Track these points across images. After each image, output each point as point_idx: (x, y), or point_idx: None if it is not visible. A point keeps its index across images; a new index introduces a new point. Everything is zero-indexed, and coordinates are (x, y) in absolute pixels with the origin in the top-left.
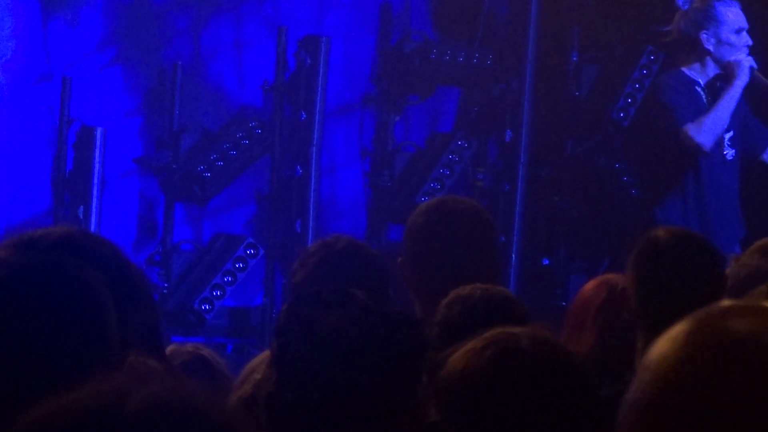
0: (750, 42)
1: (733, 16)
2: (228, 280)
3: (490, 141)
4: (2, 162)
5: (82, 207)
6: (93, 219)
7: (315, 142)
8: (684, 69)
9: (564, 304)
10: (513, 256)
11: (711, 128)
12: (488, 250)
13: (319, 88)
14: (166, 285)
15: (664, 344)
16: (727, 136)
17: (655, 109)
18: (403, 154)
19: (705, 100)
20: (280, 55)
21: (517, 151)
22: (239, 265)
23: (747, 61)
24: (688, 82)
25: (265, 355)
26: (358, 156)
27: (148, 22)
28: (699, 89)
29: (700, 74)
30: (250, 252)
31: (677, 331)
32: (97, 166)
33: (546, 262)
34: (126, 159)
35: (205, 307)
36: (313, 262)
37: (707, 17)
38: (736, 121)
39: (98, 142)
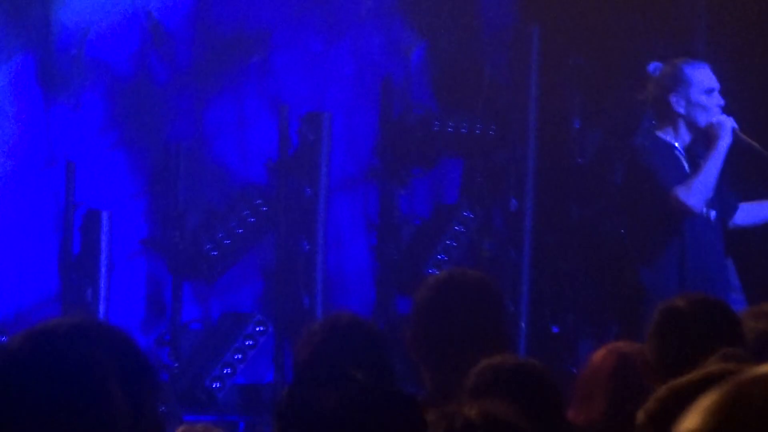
0: (722, 102)
1: (703, 77)
2: (238, 357)
3: (495, 210)
4: (9, 247)
5: (90, 290)
6: (101, 301)
7: (320, 217)
8: (658, 133)
9: (574, 370)
10: (522, 323)
11: (700, 190)
12: (497, 322)
13: (323, 163)
14: (176, 364)
15: (694, 416)
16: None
17: (638, 173)
18: (409, 226)
19: (684, 162)
20: (282, 132)
21: (522, 218)
22: (249, 343)
23: (728, 122)
24: (665, 146)
25: None
26: (364, 229)
27: (150, 104)
28: (677, 153)
29: (674, 137)
30: (260, 329)
31: (707, 402)
32: (104, 248)
33: (555, 329)
34: (132, 240)
35: (216, 385)
36: (317, 341)
37: (676, 80)
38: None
39: (104, 225)
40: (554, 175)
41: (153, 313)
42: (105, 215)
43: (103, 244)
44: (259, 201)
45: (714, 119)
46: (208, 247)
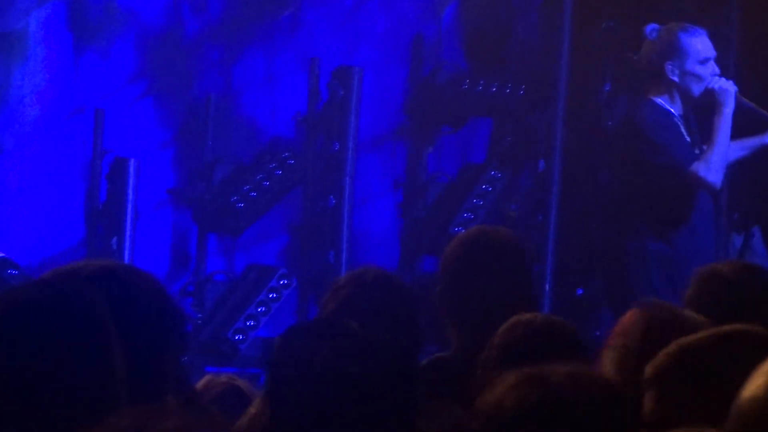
0: (717, 71)
1: (699, 46)
2: (262, 310)
3: (523, 171)
4: (36, 194)
5: (115, 238)
6: (126, 250)
7: (348, 173)
8: (654, 98)
9: (597, 333)
10: (546, 285)
11: (718, 164)
12: (526, 280)
13: (352, 119)
14: (199, 315)
15: (758, 382)
16: None
17: (647, 147)
18: (435, 184)
19: (683, 130)
20: (312, 86)
21: (550, 181)
22: (273, 296)
23: (730, 87)
24: (667, 114)
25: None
26: (391, 187)
27: (181, 55)
28: (676, 121)
29: (670, 104)
30: (284, 282)
31: None
32: (130, 197)
33: (580, 291)
34: (159, 190)
35: (239, 338)
36: (343, 294)
37: (672, 48)
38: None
39: (131, 174)
40: (584, 137)
41: (178, 263)
42: (132, 164)
43: (130, 193)
44: (286, 154)
45: (715, 85)
46: (234, 199)
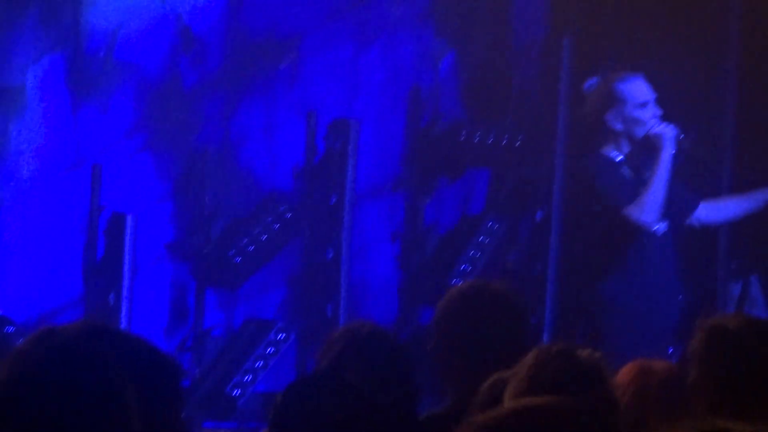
0: (658, 112)
1: (636, 92)
2: (260, 364)
3: (522, 222)
4: (34, 249)
5: (113, 294)
6: (124, 306)
7: (346, 226)
8: (601, 150)
9: None
10: (545, 336)
11: (652, 205)
12: (520, 334)
13: (349, 171)
14: (198, 370)
15: None
16: None
17: (588, 196)
18: (434, 236)
19: (629, 177)
20: (309, 139)
21: (548, 231)
22: (271, 350)
23: (669, 131)
24: (610, 164)
25: None
26: (389, 239)
27: (178, 108)
28: (621, 169)
29: (617, 152)
30: (282, 336)
31: None
32: (127, 252)
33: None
34: (157, 245)
35: (237, 392)
36: (337, 349)
37: (610, 98)
38: None
39: (129, 229)
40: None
41: (176, 318)
42: (130, 219)
43: (127, 248)
44: (283, 208)
45: (654, 130)
46: (232, 253)
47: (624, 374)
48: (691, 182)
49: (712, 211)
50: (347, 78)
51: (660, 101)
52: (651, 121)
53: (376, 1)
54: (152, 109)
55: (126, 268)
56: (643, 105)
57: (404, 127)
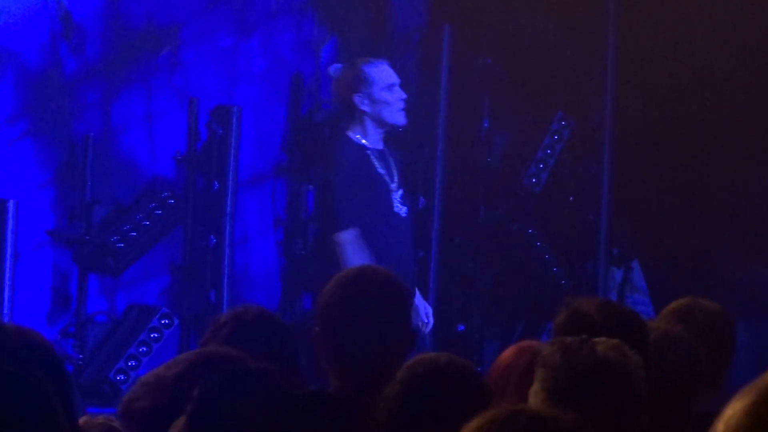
0: (404, 95)
1: (382, 74)
2: (143, 350)
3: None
4: None
5: None
6: (5, 292)
7: (228, 212)
8: (349, 133)
9: (480, 369)
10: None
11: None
12: (403, 319)
13: (231, 158)
14: (80, 356)
15: (729, 416)
16: (399, 193)
17: (329, 182)
18: (314, 223)
19: (375, 161)
20: (191, 125)
21: (430, 217)
22: (154, 336)
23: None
24: (359, 148)
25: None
26: (272, 226)
27: (59, 95)
28: (368, 153)
29: (363, 137)
30: (165, 322)
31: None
32: (9, 238)
33: (461, 328)
34: (38, 231)
35: (120, 378)
36: (224, 334)
37: (357, 80)
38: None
39: (10, 215)
40: (463, 174)
41: (58, 304)
42: (11, 204)
43: (9, 234)
44: (166, 194)
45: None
46: (114, 239)
47: (507, 357)
48: (572, 169)
49: None
50: (228, 66)
51: (539, 90)
52: (397, 103)
53: None
54: (32, 96)
55: (7, 254)
56: (390, 87)
57: (285, 115)
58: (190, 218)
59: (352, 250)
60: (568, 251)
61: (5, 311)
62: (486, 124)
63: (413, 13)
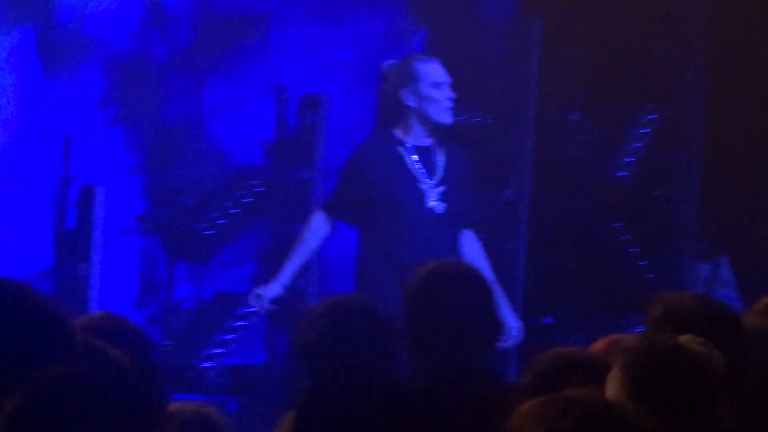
0: (452, 95)
1: (432, 72)
2: (230, 337)
3: (491, 200)
4: (4, 221)
5: (83, 265)
6: (94, 277)
7: (315, 200)
8: (387, 129)
9: None
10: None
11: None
12: (491, 311)
13: (319, 146)
14: (167, 343)
15: None
16: (438, 190)
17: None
18: None
19: (408, 159)
20: (280, 113)
21: (518, 210)
22: (241, 323)
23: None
24: (390, 141)
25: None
26: None
27: (149, 81)
28: (402, 151)
29: (404, 134)
30: (252, 309)
31: None
32: (97, 224)
33: (548, 320)
34: (128, 217)
35: (207, 365)
36: (322, 323)
37: (405, 75)
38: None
39: (99, 201)
40: (551, 167)
41: (146, 290)
42: (100, 191)
43: (97, 220)
44: (255, 182)
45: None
46: (202, 226)
47: (595, 350)
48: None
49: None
50: (317, 54)
51: (629, 82)
52: (445, 101)
53: None
54: (122, 83)
55: (96, 240)
56: (438, 85)
57: (373, 104)
58: (277, 206)
59: (307, 237)
60: (655, 245)
61: (94, 297)
62: (575, 116)
63: (504, 4)
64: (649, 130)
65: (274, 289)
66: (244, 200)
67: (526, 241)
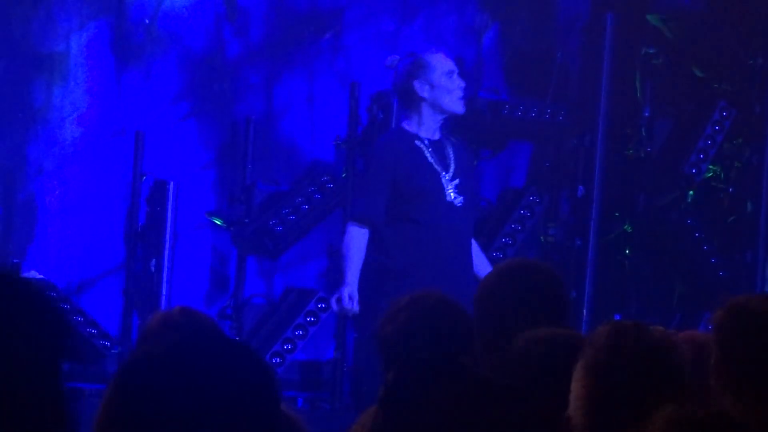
0: (463, 83)
1: (442, 62)
2: (299, 333)
3: (562, 196)
4: (75, 216)
5: (154, 260)
6: (165, 272)
7: None
8: (403, 125)
9: None
10: (584, 311)
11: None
12: (563, 310)
13: None
14: (237, 339)
15: None
16: (454, 183)
17: (365, 166)
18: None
19: (426, 153)
20: (352, 109)
21: (589, 206)
22: (311, 319)
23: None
24: (407, 136)
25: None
26: None
27: (221, 77)
28: (419, 144)
29: (419, 125)
30: (322, 306)
31: None
32: (169, 219)
33: (617, 316)
34: (199, 213)
35: (276, 361)
36: (403, 317)
37: (416, 66)
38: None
39: (171, 196)
40: (623, 162)
41: (216, 286)
42: (171, 186)
43: (169, 215)
44: (326, 178)
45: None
46: (273, 222)
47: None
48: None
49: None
50: (390, 50)
51: (701, 80)
52: (457, 90)
53: None
54: (196, 78)
55: (168, 235)
56: (450, 74)
57: None
58: (349, 202)
59: (353, 248)
60: (727, 242)
61: (165, 291)
62: (647, 113)
63: (576, 1)
64: (719, 127)
65: (352, 290)
66: (315, 196)
67: (595, 237)
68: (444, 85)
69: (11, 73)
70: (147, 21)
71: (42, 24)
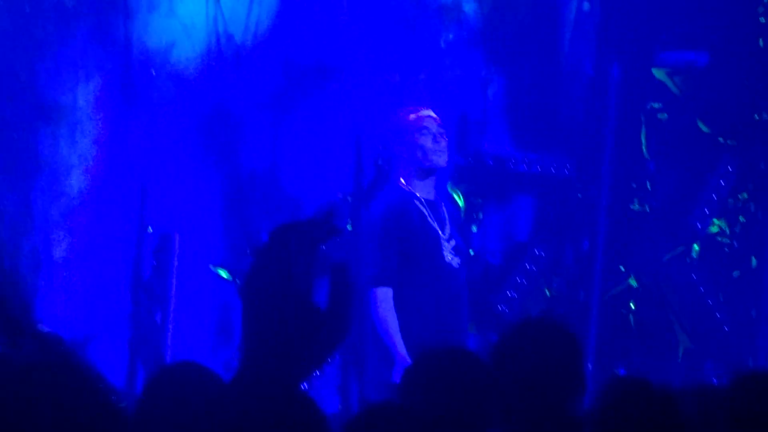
0: (445, 139)
1: (418, 119)
2: (303, 386)
3: (567, 249)
4: (81, 267)
5: (159, 312)
6: (170, 324)
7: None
8: (400, 184)
9: None
10: (589, 364)
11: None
12: (578, 370)
13: None
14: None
15: None
16: (451, 245)
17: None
18: (479, 263)
19: (425, 212)
20: (357, 162)
21: (593, 259)
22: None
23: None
24: (407, 197)
25: None
26: None
27: (227, 128)
28: (418, 203)
29: (412, 188)
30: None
31: None
32: (174, 271)
33: (622, 371)
34: (204, 265)
35: None
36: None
37: (396, 127)
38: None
39: (175, 248)
40: (628, 217)
41: (221, 337)
42: (176, 238)
43: (174, 267)
44: None
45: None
46: None
47: None
48: None
49: None
50: (395, 102)
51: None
52: (433, 146)
53: (423, 27)
54: (201, 129)
55: (173, 287)
56: (425, 130)
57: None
58: (355, 257)
59: (385, 309)
60: (732, 297)
61: (170, 343)
62: (652, 167)
63: (582, 53)
64: (724, 183)
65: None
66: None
67: (601, 292)
68: (422, 144)
69: (17, 122)
70: (153, 72)
71: (48, 73)
